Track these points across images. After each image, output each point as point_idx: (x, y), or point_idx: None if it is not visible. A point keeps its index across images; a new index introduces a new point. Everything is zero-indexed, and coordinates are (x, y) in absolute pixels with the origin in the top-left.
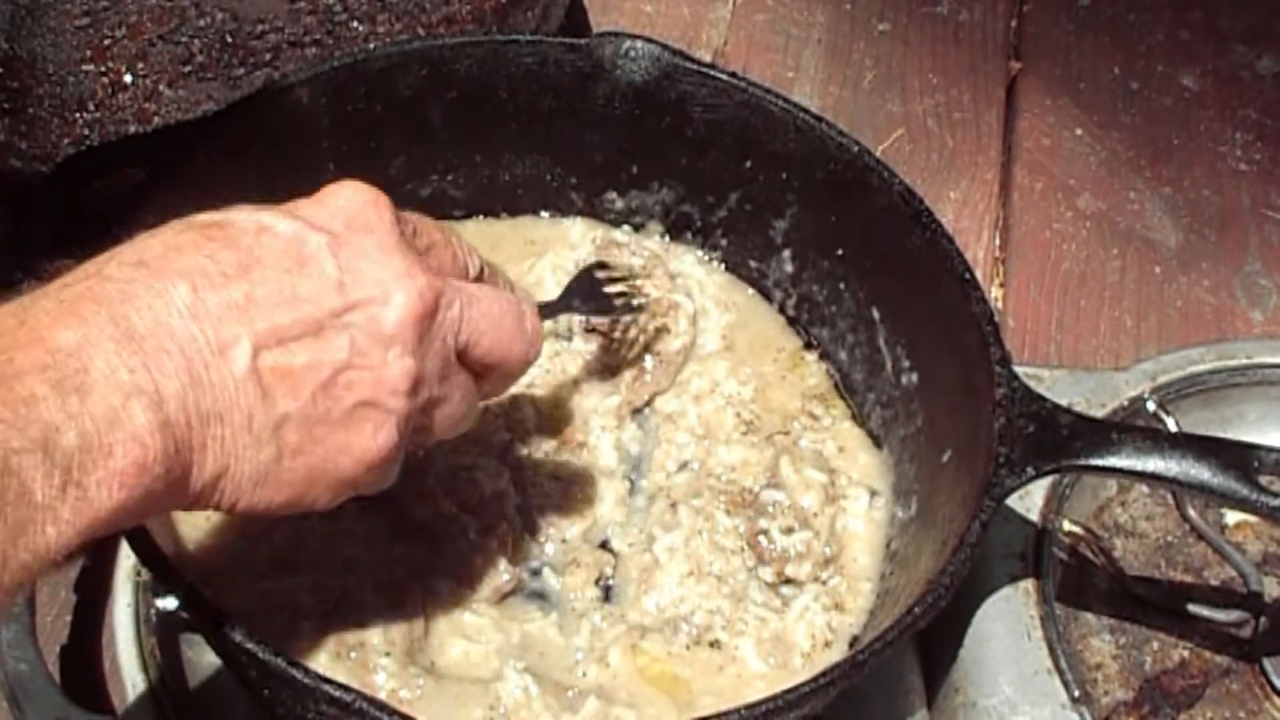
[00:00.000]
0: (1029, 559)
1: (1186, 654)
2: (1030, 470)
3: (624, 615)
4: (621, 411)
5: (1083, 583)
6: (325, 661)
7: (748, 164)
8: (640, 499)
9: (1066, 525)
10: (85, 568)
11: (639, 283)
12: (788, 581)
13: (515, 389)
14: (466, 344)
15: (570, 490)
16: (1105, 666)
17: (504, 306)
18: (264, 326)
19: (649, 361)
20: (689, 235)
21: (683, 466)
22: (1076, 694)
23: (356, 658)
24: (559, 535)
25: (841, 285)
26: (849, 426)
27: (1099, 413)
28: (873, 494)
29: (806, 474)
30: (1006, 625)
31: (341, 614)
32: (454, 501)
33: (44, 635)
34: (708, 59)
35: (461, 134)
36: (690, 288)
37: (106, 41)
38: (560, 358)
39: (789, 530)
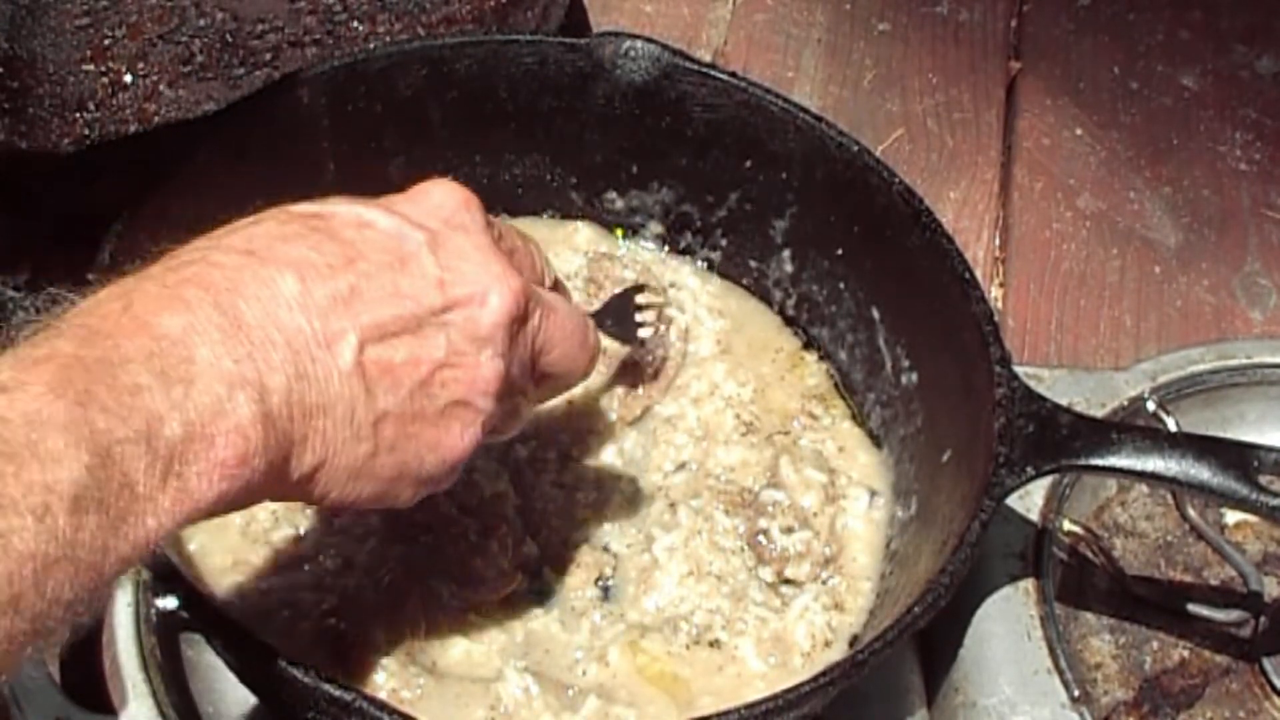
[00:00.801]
0: (1029, 559)
1: (1186, 654)
2: (1030, 470)
3: (623, 615)
4: (617, 427)
5: (1083, 583)
6: (325, 661)
7: (748, 164)
8: (639, 499)
9: (1066, 525)
10: None
11: (671, 313)
12: (787, 581)
13: None
14: (540, 351)
15: (569, 491)
16: (1105, 666)
17: (575, 320)
18: (368, 320)
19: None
20: (688, 235)
21: (680, 467)
22: (1076, 694)
23: (356, 657)
24: (558, 536)
25: (841, 285)
26: (849, 426)
27: (1099, 413)
28: (873, 494)
29: (806, 474)
30: (1006, 625)
31: (341, 614)
32: (454, 503)
33: None
34: (708, 59)
35: (461, 134)
36: (683, 300)
37: (106, 41)
38: None
39: (789, 530)
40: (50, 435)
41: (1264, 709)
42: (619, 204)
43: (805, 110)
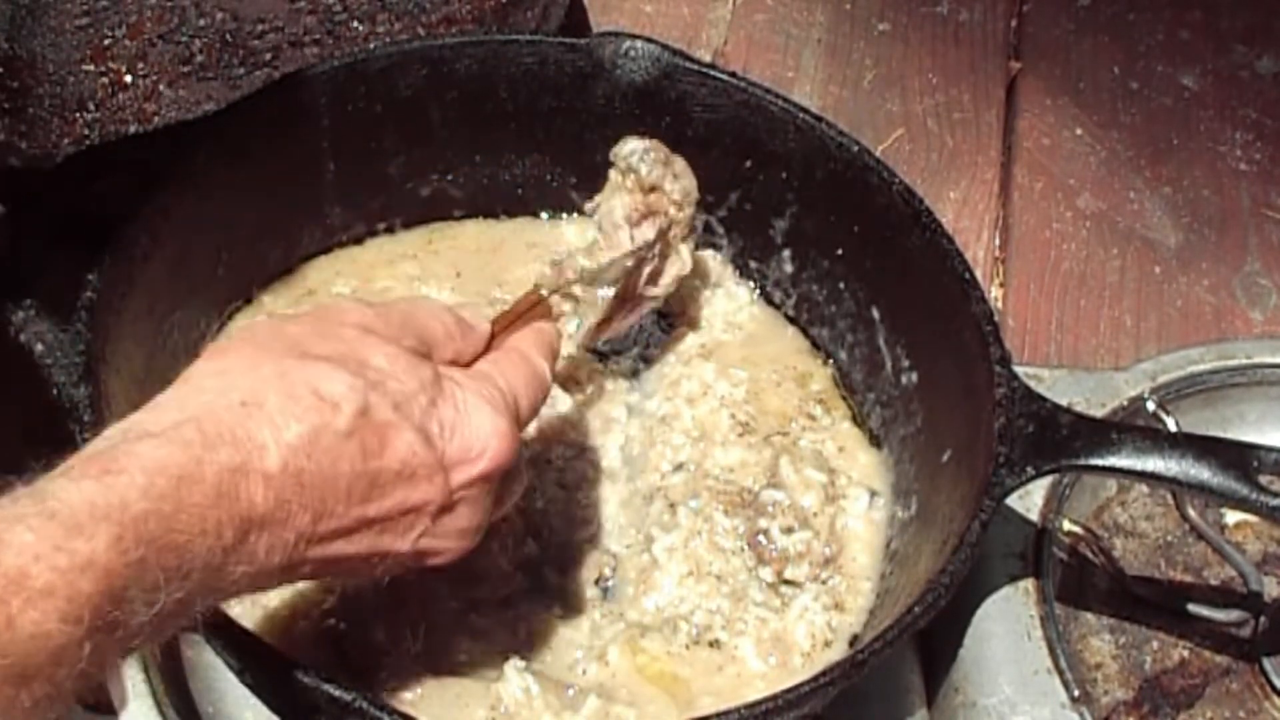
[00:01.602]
0: (1029, 559)
1: (1186, 654)
2: (1030, 470)
3: (623, 614)
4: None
5: (1083, 583)
6: (325, 661)
7: (748, 164)
8: (639, 500)
9: (1066, 525)
10: None
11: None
12: (787, 581)
13: None
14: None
15: (570, 491)
16: (1105, 666)
17: (529, 374)
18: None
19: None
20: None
21: (678, 468)
22: (1076, 694)
23: (356, 657)
24: (559, 536)
25: (841, 285)
26: (848, 426)
27: (1099, 413)
28: (872, 494)
29: (806, 474)
30: (1006, 625)
31: (342, 614)
32: None
33: None
34: (708, 59)
35: (461, 134)
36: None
37: (106, 41)
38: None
39: (789, 530)
40: None
41: (1264, 709)
42: None
43: (805, 110)
